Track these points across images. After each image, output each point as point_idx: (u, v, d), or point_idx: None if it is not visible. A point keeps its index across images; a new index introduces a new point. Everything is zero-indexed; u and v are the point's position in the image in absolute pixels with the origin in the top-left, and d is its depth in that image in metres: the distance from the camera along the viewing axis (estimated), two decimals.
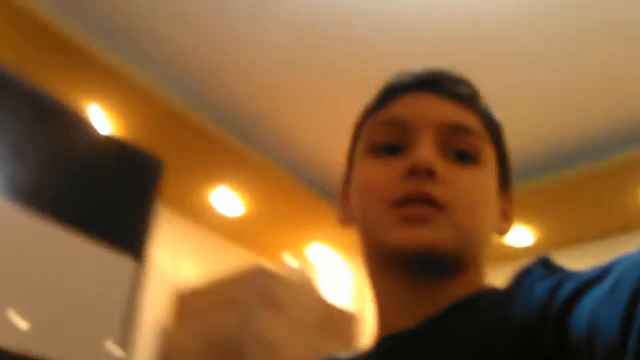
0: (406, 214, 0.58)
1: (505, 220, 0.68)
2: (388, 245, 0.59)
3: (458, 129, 0.62)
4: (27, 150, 1.77)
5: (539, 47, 2.29)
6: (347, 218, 0.69)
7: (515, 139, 2.73)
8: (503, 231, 0.67)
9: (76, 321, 1.82)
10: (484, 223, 0.62)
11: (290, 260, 2.92)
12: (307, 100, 2.64)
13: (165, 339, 2.78)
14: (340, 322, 2.82)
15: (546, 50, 2.32)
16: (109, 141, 2.05)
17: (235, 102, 2.71)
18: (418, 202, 0.58)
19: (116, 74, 2.42)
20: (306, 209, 3.18)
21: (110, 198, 1.97)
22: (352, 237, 0.68)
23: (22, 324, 1.68)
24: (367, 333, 2.85)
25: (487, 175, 0.63)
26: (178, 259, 3.12)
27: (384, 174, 0.61)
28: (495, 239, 0.66)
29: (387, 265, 0.61)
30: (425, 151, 0.60)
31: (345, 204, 0.69)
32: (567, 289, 0.45)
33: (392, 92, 0.65)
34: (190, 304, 2.79)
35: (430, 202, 0.58)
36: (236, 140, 2.82)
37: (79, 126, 1.97)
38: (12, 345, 1.65)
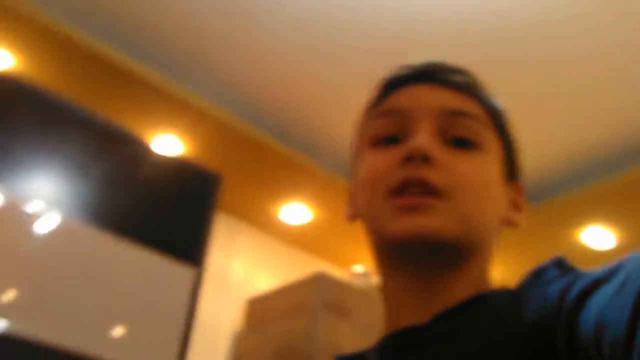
0: (404, 204, 0.57)
1: (515, 211, 0.66)
2: (388, 235, 0.59)
3: (456, 114, 0.62)
4: (94, 174, 1.97)
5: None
6: (354, 215, 0.68)
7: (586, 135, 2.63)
8: (514, 222, 0.65)
9: (146, 328, 1.99)
10: (486, 209, 0.60)
11: (357, 268, 2.98)
12: None
13: (238, 344, 2.93)
14: None
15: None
16: (170, 161, 2.23)
17: (297, 119, 2.82)
18: (416, 190, 0.57)
19: (181, 102, 2.61)
20: None
21: (171, 213, 2.15)
22: None
23: (115, 333, 1.88)
24: None
25: (488, 161, 0.62)
26: (253, 269, 3.27)
27: (382, 164, 0.61)
28: (506, 229, 0.65)
29: (392, 258, 0.61)
30: (422, 137, 0.59)
31: (354, 201, 0.69)
32: (577, 289, 0.45)
33: (390, 86, 0.66)
34: (261, 311, 2.92)
35: (428, 188, 0.57)
36: (300, 154, 2.92)
37: (142, 150, 2.17)
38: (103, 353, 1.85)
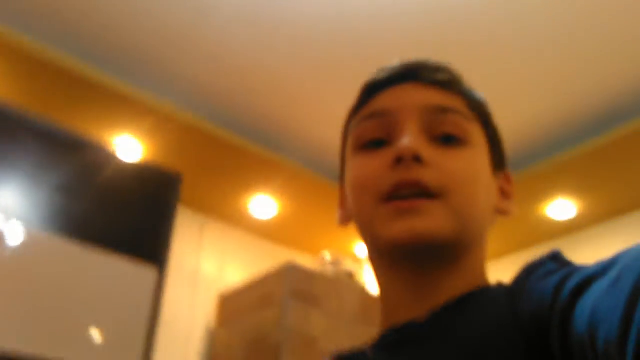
0: (398, 207, 0.57)
1: (506, 199, 0.67)
2: (384, 240, 0.59)
3: (441, 111, 0.62)
4: (53, 182, 1.97)
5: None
6: (345, 218, 0.69)
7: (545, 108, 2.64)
8: (505, 211, 0.67)
9: (113, 330, 2.00)
10: (480, 202, 0.61)
11: (326, 256, 3.01)
12: (330, 102, 2.71)
13: (211, 340, 2.95)
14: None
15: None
16: (129, 165, 2.24)
17: (258, 114, 2.83)
18: (409, 193, 0.58)
19: (140, 104, 2.60)
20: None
21: (133, 215, 2.16)
22: None
23: (82, 337, 1.89)
24: None
25: (477, 155, 0.62)
26: (224, 264, 3.29)
27: (371, 168, 0.61)
28: (498, 218, 0.66)
29: (387, 259, 0.62)
30: (410, 138, 0.59)
31: (344, 204, 0.70)
32: (572, 283, 0.44)
33: (373, 88, 0.66)
34: (232, 305, 2.94)
35: (422, 189, 0.57)
36: (265, 149, 2.94)
37: (101, 155, 2.17)
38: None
